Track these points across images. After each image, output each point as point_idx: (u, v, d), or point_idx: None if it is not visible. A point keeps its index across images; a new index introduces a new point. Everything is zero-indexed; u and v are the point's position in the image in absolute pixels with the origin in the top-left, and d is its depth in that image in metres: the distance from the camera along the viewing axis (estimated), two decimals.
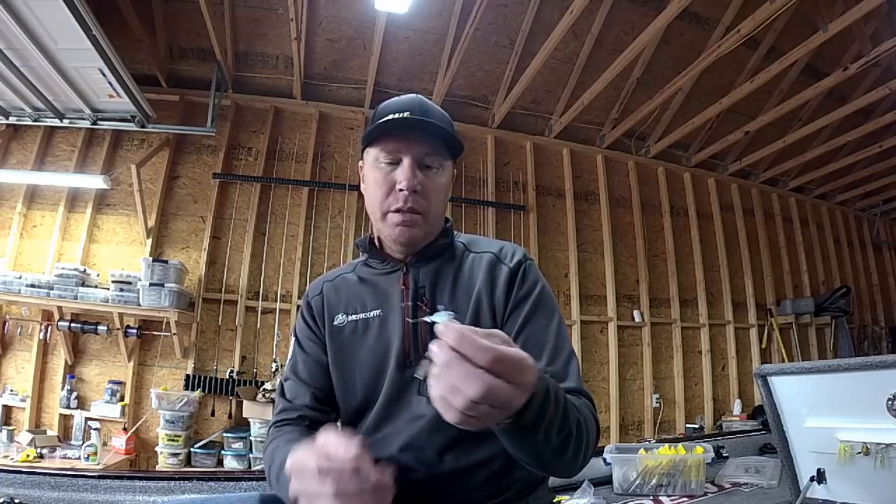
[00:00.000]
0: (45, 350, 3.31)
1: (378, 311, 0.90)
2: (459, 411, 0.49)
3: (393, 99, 0.93)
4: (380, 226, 0.91)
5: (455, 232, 0.97)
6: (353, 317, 0.92)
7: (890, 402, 1.04)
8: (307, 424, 0.88)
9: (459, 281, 0.90)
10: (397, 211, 0.87)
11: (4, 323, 3.27)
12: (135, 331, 3.33)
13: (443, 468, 0.82)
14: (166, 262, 3.23)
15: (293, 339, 0.96)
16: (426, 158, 0.88)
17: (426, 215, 0.88)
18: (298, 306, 3.58)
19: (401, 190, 0.85)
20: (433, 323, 0.52)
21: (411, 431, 0.83)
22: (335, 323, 0.92)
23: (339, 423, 0.93)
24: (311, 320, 0.95)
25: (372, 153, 0.90)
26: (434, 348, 0.49)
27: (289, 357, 0.94)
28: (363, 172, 0.95)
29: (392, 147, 0.87)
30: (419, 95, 0.93)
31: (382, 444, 0.85)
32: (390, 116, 0.87)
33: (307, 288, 1.01)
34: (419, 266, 0.91)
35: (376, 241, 0.96)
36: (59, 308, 3.11)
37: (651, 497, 1.54)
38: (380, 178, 0.88)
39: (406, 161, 0.86)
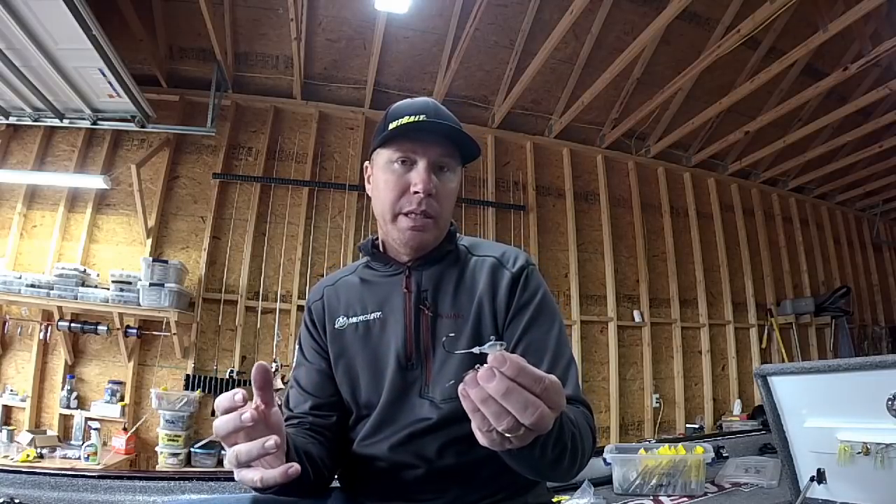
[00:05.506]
0: (45, 350, 3.31)
1: (378, 314, 0.90)
2: (503, 435, 0.50)
3: (405, 101, 0.91)
4: (388, 228, 0.89)
5: (457, 235, 0.97)
6: (354, 319, 0.91)
7: (890, 402, 1.04)
8: (307, 427, 0.88)
9: (462, 285, 0.89)
10: (409, 213, 0.86)
11: (4, 323, 3.27)
12: (135, 331, 3.33)
13: (442, 465, 0.83)
14: (166, 262, 3.23)
15: (297, 345, 0.97)
16: (441, 161, 0.87)
17: (437, 220, 0.88)
18: (299, 306, 3.59)
19: (416, 192, 0.85)
20: (483, 354, 0.52)
21: (412, 431, 0.84)
22: (336, 326, 0.92)
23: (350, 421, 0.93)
24: (312, 328, 0.95)
25: (384, 154, 0.88)
26: (484, 374, 0.49)
27: (293, 363, 0.95)
28: (370, 173, 0.94)
29: (407, 148, 0.86)
30: (432, 99, 0.92)
31: (383, 444, 0.85)
32: (405, 119, 0.85)
33: (309, 293, 1.01)
34: (422, 269, 0.90)
35: (380, 244, 0.95)
36: (59, 308, 3.11)
37: (651, 497, 1.54)
38: (392, 179, 0.86)
39: (422, 163, 0.86)
